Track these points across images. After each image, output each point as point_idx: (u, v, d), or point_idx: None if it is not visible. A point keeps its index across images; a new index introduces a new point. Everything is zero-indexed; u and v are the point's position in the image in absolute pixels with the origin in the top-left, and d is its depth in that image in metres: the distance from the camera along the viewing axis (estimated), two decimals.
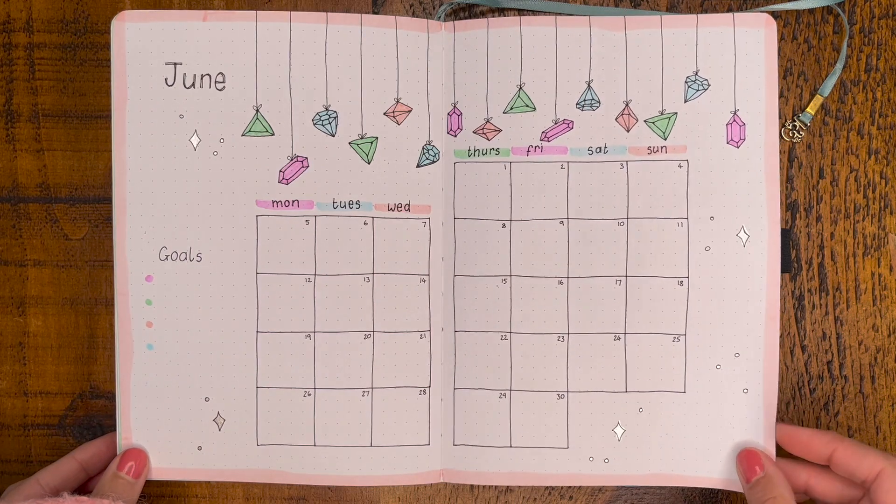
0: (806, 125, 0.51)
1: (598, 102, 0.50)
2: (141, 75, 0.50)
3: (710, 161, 0.49)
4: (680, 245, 0.49)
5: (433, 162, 0.51)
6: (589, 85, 0.50)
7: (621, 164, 0.49)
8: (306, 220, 0.50)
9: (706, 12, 0.51)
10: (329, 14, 0.50)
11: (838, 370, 0.51)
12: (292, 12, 0.50)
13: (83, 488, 0.50)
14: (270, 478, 0.50)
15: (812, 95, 0.51)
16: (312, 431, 0.50)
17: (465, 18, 0.51)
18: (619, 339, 0.50)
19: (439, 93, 0.50)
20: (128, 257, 0.50)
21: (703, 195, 0.49)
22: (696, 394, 0.49)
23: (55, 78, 0.52)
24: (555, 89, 0.50)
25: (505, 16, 0.51)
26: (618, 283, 0.50)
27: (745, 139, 0.49)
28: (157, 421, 0.50)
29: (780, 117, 0.51)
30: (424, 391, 0.51)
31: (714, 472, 0.49)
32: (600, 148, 0.50)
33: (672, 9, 0.51)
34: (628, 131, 0.50)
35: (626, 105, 0.50)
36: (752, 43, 0.49)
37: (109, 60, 0.50)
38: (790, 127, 0.51)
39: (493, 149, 0.50)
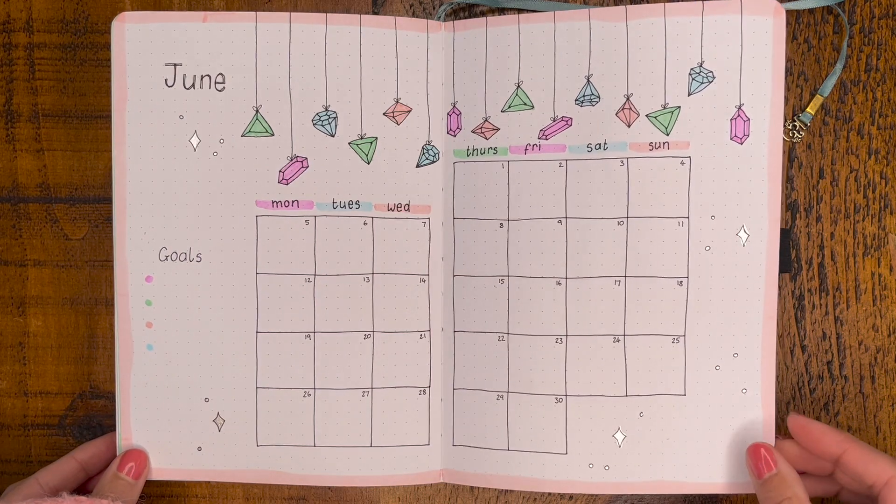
0: (806, 125, 0.51)
1: (598, 97, 0.49)
2: (141, 76, 0.50)
3: (713, 158, 0.48)
4: (680, 245, 0.49)
5: (433, 162, 0.51)
6: (588, 80, 0.49)
7: (621, 162, 0.49)
8: (306, 221, 0.50)
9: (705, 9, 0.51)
10: (329, 14, 0.50)
11: (838, 370, 0.51)
12: (292, 13, 0.50)
13: (83, 488, 0.50)
14: (270, 478, 0.50)
15: (812, 95, 0.51)
16: (312, 432, 0.50)
17: (465, 18, 0.51)
18: (618, 341, 0.49)
19: (439, 93, 0.50)
20: (127, 258, 0.50)
21: (705, 193, 0.48)
22: (697, 396, 0.49)
23: (55, 78, 0.52)
24: (553, 86, 0.49)
25: (504, 13, 0.51)
26: (617, 283, 0.49)
27: (748, 135, 0.48)
28: (157, 421, 0.50)
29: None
30: (424, 391, 0.51)
31: (716, 477, 0.49)
32: (600, 145, 0.49)
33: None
34: (629, 127, 0.49)
35: (627, 99, 0.49)
36: (760, 32, 0.47)
37: (109, 60, 0.50)
38: (790, 127, 0.51)
39: (491, 148, 0.50)
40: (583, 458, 0.49)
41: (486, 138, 0.50)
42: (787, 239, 0.51)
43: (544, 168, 0.49)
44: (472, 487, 0.52)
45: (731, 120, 0.48)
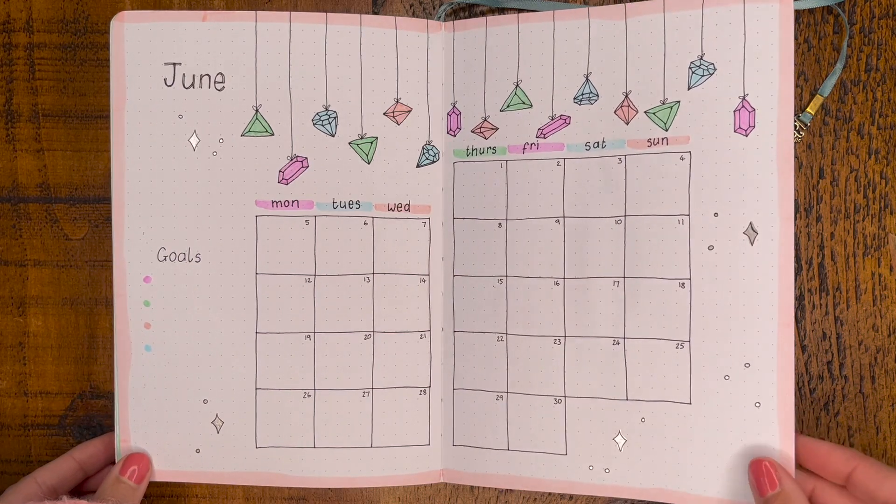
0: (806, 125, 0.51)
1: (597, 95, 0.48)
2: (140, 75, 0.50)
3: (716, 152, 0.46)
4: (681, 244, 0.47)
5: (433, 162, 0.51)
6: (587, 78, 0.49)
7: (619, 159, 0.48)
8: (306, 221, 0.50)
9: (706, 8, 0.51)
10: (329, 14, 0.50)
11: (838, 370, 0.51)
12: (292, 12, 0.50)
13: (81, 488, 0.50)
14: (270, 480, 0.50)
15: (812, 95, 0.51)
16: (312, 433, 0.50)
17: (465, 18, 0.51)
18: (618, 343, 0.48)
19: (439, 93, 0.50)
20: (126, 258, 0.50)
21: (707, 189, 0.46)
22: (703, 406, 0.47)
23: (55, 78, 0.52)
24: (552, 84, 0.49)
25: (504, 13, 0.51)
26: (616, 284, 0.48)
27: (754, 126, 0.46)
28: (156, 423, 0.50)
29: None
30: (424, 391, 0.51)
31: (722, 492, 0.47)
32: (598, 143, 0.48)
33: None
34: (627, 124, 0.48)
35: (626, 96, 0.48)
36: (765, 20, 0.46)
37: (109, 60, 0.50)
38: None
39: (490, 147, 0.50)
40: (582, 459, 0.49)
41: (485, 138, 0.50)
42: None
43: (542, 167, 0.49)
44: (472, 487, 0.52)
45: (734, 112, 0.46)
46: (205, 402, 0.50)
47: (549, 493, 0.52)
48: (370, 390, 0.50)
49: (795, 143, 0.51)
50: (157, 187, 0.50)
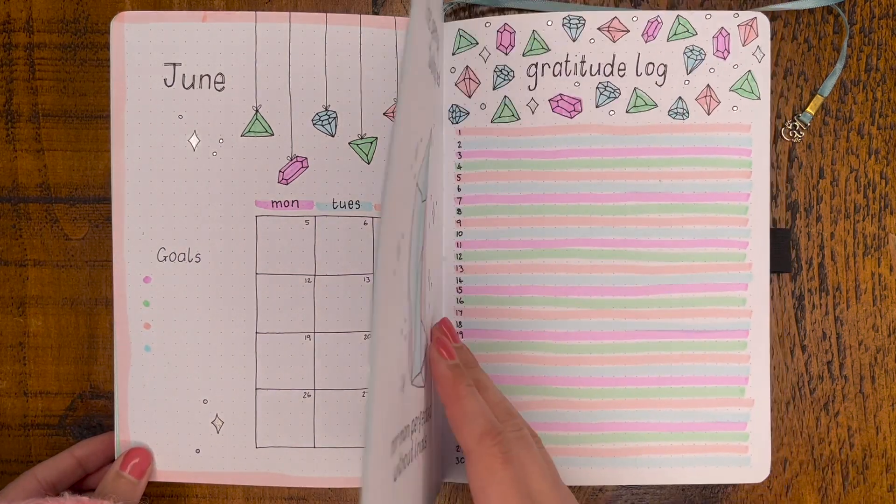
0: (806, 125, 0.51)
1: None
2: (140, 76, 0.50)
3: None
4: None
5: None
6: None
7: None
8: (306, 221, 0.50)
9: (707, 10, 0.51)
10: (329, 14, 0.50)
11: (838, 370, 0.51)
12: (292, 13, 0.50)
13: (80, 485, 0.50)
14: (270, 481, 0.50)
15: (812, 95, 0.51)
16: (312, 433, 0.50)
17: (465, 18, 0.51)
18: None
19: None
20: (126, 258, 0.50)
21: None
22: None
23: (55, 78, 0.52)
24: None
25: (505, 14, 0.51)
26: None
27: None
28: (156, 423, 0.50)
29: (773, 117, 0.50)
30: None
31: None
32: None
33: (673, 7, 0.51)
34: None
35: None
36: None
37: (109, 60, 0.50)
38: (790, 127, 0.51)
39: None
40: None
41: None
42: (788, 239, 0.51)
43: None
44: None
45: None
46: (205, 402, 0.50)
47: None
48: None
49: (795, 143, 0.51)
50: (157, 187, 0.50)
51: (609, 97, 0.49)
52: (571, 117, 0.49)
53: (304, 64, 0.50)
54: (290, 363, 0.50)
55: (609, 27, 0.49)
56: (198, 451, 0.50)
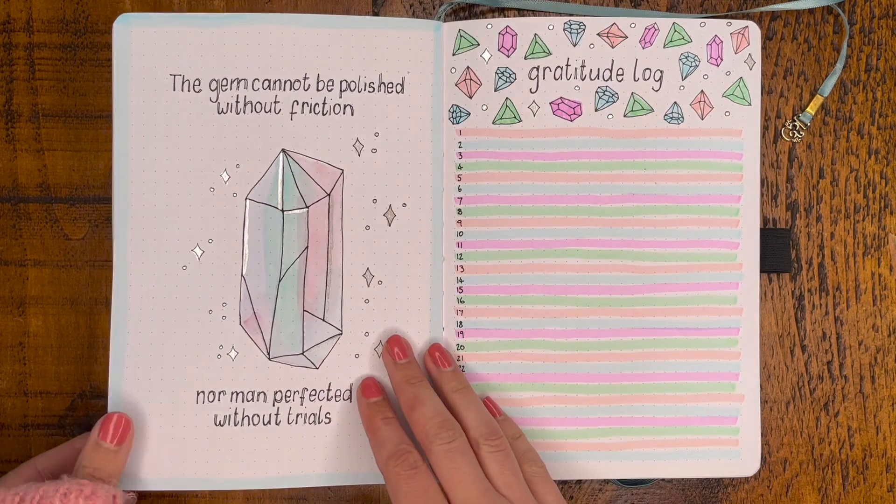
0: (806, 125, 0.51)
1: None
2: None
3: None
4: None
5: None
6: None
7: None
8: None
9: (706, 12, 0.51)
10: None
11: (838, 370, 0.51)
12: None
13: None
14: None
15: (812, 95, 0.51)
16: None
17: (465, 18, 0.51)
18: None
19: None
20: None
21: None
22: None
23: (55, 78, 0.52)
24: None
25: (505, 16, 0.51)
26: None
27: None
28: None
29: (773, 117, 0.50)
30: None
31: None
32: None
33: (672, 9, 0.51)
34: None
35: None
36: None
37: (109, 60, 0.50)
38: (790, 127, 0.51)
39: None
40: None
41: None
42: (787, 239, 0.51)
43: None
44: None
45: None
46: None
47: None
48: None
49: (795, 143, 0.51)
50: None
51: (608, 101, 0.50)
52: (571, 120, 0.50)
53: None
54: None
55: (608, 33, 0.50)
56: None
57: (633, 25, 0.50)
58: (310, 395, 0.50)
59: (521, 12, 0.51)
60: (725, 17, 0.50)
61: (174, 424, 0.50)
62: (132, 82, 0.49)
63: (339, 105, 0.50)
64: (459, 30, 0.50)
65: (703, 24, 0.50)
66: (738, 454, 0.50)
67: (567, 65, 0.50)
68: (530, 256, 0.50)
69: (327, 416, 0.50)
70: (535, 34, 0.50)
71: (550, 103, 0.50)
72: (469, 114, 0.50)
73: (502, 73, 0.50)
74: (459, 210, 0.50)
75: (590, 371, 0.50)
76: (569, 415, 0.50)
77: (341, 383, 0.50)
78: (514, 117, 0.50)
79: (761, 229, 0.50)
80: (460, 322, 0.50)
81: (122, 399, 0.50)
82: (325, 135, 0.50)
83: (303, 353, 0.50)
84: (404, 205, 0.50)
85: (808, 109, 0.51)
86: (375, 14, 0.52)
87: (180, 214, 0.50)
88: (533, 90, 0.50)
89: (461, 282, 0.50)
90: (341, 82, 0.50)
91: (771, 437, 0.51)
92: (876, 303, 0.51)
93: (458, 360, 0.50)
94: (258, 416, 0.50)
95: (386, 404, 0.48)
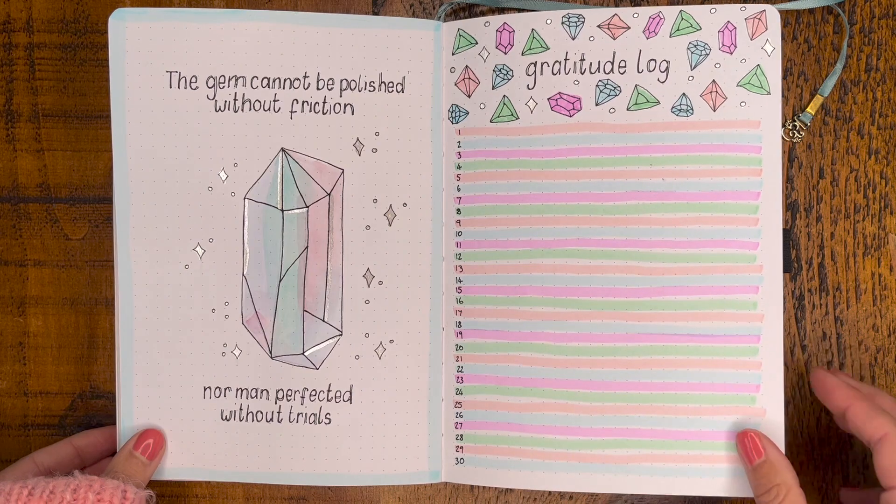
0: (806, 125, 0.51)
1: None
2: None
3: None
4: None
5: None
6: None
7: None
8: None
9: (711, 5, 0.51)
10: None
11: (838, 370, 0.51)
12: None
13: None
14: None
15: (812, 95, 0.51)
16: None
17: (465, 18, 0.51)
18: None
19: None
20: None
21: None
22: None
23: (55, 78, 0.52)
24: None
25: (504, 14, 0.51)
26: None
27: None
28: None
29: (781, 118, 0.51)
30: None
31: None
32: None
33: (676, 2, 0.51)
34: None
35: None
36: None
37: (108, 59, 0.50)
38: (790, 127, 0.51)
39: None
40: None
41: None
42: (788, 239, 0.51)
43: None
44: (471, 487, 0.52)
45: None
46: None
47: (549, 494, 0.52)
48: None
49: (795, 143, 0.51)
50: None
51: (609, 95, 0.49)
52: (570, 115, 0.49)
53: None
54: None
55: (609, 24, 0.48)
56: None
57: (636, 15, 0.48)
58: (310, 396, 0.50)
59: (520, 11, 0.50)
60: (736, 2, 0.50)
61: (182, 418, 0.50)
62: (128, 79, 0.49)
63: (340, 104, 0.50)
64: (459, 29, 0.50)
65: (713, 11, 0.48)
66: None
67: (566, 59, 0.49)
68: (530, 256, 0.49)
69: (327, 416, 0.50)
70: (533, 29, 0.49)
71: (548, 99, 0.49)
72: (468, 113, 0.50)
73: (500, 70, 0.49)
74: (459, 210, 0.50)
75: (592, 378, 0.49)
76: (569, 423, 0.49)
77: (341, 384, 0.50)
78: (512, 115, 0.49)
79: None
80: (459, 322, 0.50)
81: (130, 395, 0.50)
82: (326, 134, 0.50)
83: (303, 354, 0.50)
84: (405, 204, 0.50)
85: (808, 109, 0.51)
86: (375, 14, 0.52)
87: (180, 214, 0.50)
88: (530, 86, 0.49)
89: (460, 282, 0.50)
90: (341, 81, 0.50)
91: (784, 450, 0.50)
92: (876, 303, 0.51)
93: (457, 361, 0.50)
94: (262, 412, 0.50)
95: None
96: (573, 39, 0.48)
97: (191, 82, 0.50)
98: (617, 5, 0.51)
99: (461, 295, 0.50)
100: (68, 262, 0.52)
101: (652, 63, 0.48)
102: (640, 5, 0.51)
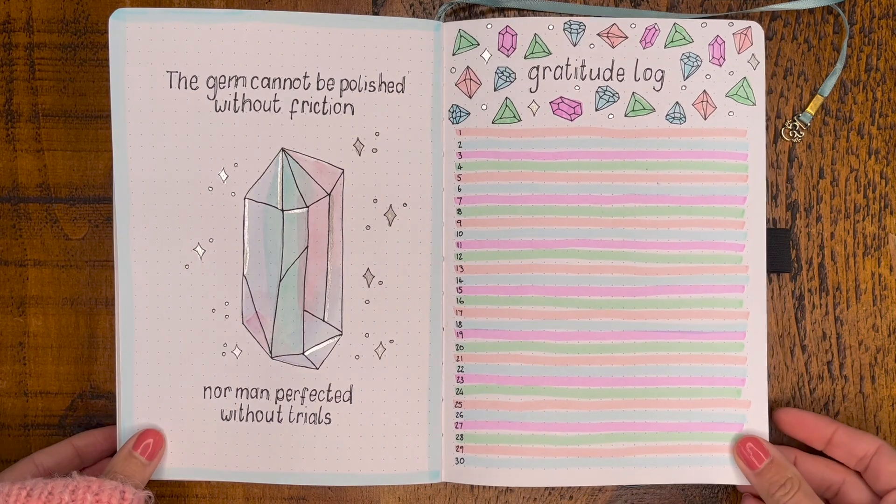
0: (806, 125, 0.51)
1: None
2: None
3: None
4: None
5: None
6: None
7: None
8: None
9: (706, 12, 0.51)
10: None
11: (838, 370, 0.51)
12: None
13: None
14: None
15: (812, 95, 0.51)
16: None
17: (465, 18, 0.51)
18: None
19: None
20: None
21: None
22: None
23: (55, 78, 0.52)
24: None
25: (505, 16, 0.51)
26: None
27: None
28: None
29: (773, 117, 0.51)
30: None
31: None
32: None
33: (672, 9, 0.51)
34: None
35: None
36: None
37: (108, 60, 0.50)
38: (790, 127, 0.51)
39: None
40: None
41: None
42: (788, 239, 0.51)
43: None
44: (471, 487, 0.52)
45: None
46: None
47: (550, 492, 0.52)
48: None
49: (795, 143, 0.51)
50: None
51: (608, 101, 0.50)
52: (572, 120, 0.50)
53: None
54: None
55: (608, 33, 0.50)
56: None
57: (633, 26, 0.50)
58: (310, 396, 0.50)
59: (520, 12, 0.51)
60: (726, 16, 0.50)
61: (183, 418, 0.50)
62: (128, 79, 0.49)
63: (340, 104, 0.50)
64: (459, 30, 0.50)
65: (704, 25, 0.50)
66: None
67: (567, 64, 0.50)
68: (530, 257, 0.50)
69: (327, 416, 0.50)
70: (535, 34, 0.50)
71: (550, 103, 0.50)
72: (469, 113, 0.50)
73: (502, 72, 0.50)
74: (459, 210, 0.50)
75: (590, 375, 0.50)
76: (569, 419, 0.50)
77: (341, 384, 0.50)
78: (514, 117, 0.50)
79: None
80: (460, 322, 0.50)
81: (130, 395, 0.50)
82: (326, 134, 0.50)
83: (303, 354, 0.50)
84: (405, 204, 0.50)
85: (808, 109, 0.51)
86: (375, 14, 0.52)
87: (180, 214, 0.50)
88: (533, 90, 0.50)
89: (461, 282, 0.50)
90: (342, 81, 0.50)
91: (771, 437, 0.51)
92: (876, 303, 0.51)
93: (457, 361, 0.50)
94: (262, 412, 0.50)
95: None
96: (574, 46, 0.49)
97: (191, 82, 0.50)
98: (617, 5, 0.51)
99: (461, 295, 0.50)
100: (68, 262, 0.52)
101: (648, 72, 0.50)
102: (639, 6, 0.51)
